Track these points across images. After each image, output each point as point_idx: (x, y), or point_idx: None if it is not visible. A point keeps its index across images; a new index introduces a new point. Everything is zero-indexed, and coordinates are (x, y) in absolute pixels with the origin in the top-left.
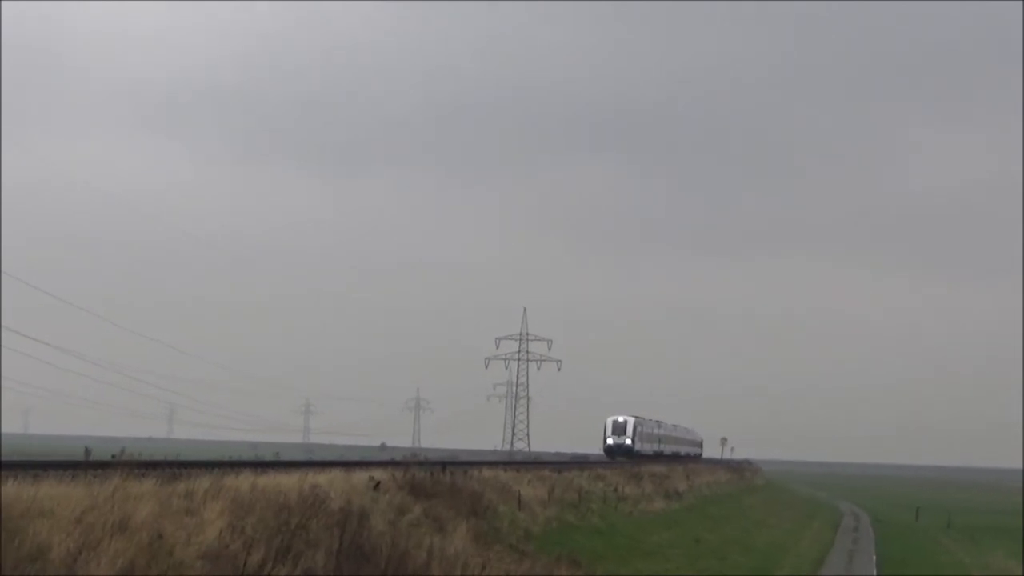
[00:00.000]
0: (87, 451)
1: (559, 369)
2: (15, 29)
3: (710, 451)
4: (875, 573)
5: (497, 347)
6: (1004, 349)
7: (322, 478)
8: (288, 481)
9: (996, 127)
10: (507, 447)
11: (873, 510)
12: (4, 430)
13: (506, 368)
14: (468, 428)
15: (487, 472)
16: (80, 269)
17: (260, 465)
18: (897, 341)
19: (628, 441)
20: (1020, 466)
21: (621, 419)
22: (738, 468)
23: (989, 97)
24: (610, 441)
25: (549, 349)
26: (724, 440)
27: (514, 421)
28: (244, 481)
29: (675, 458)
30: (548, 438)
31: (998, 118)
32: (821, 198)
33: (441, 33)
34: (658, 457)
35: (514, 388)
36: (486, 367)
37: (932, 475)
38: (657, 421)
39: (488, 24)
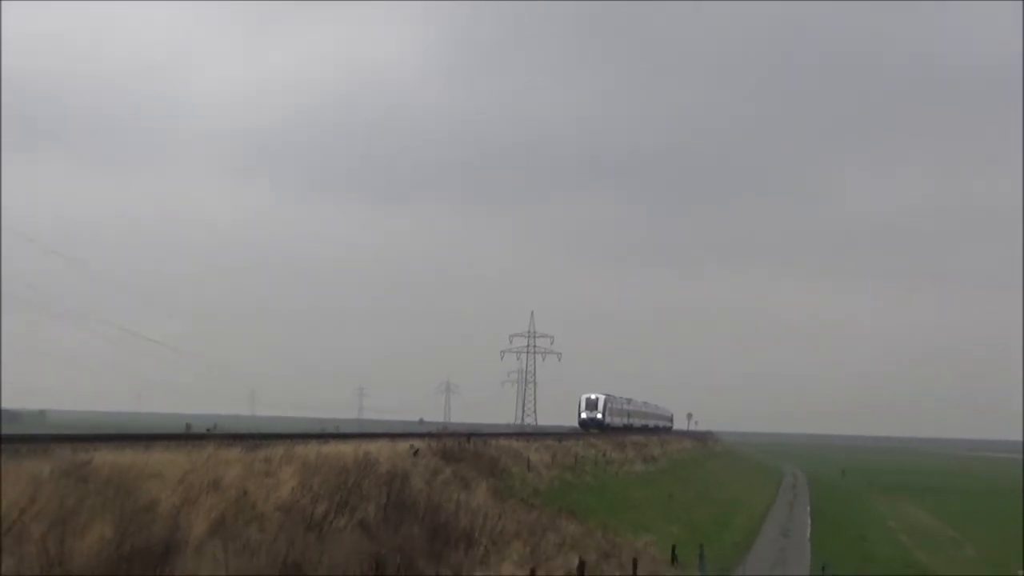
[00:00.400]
0: (188, 426)
1: (559, 360)
2: (146, 90)
3: (679, 425)
4: (809, 520)
5: (510, 343)
6: (927, 339)
7: (373, 446)
8: (346, 449)
9: (922, 162)
10: (518, 422)
11: (811, 472)
12: (122, 408)
13: (517, 359)
14: (487, 407)
15: (503, 442)
16: (187, 280)
17: (323, 436)
18: (833, 333)
19: (599, 415)
20: (957, 436)
21: (593, 396)
22: (702, 438)
23: (917, 137)
24: (584, 415)
25: (552, 344)
26: (690, 415)
27: (524, 401)
28: (311, 449)
29: (647, 430)
30: (551, 415)
31: (926, 155)
32: (774, 220)
33: (473, 95)
34: (627, 429)
35: (524, 375)
36: (501, 359)
37: (871, 444)
38: (627, 398)
39: (510, 87)
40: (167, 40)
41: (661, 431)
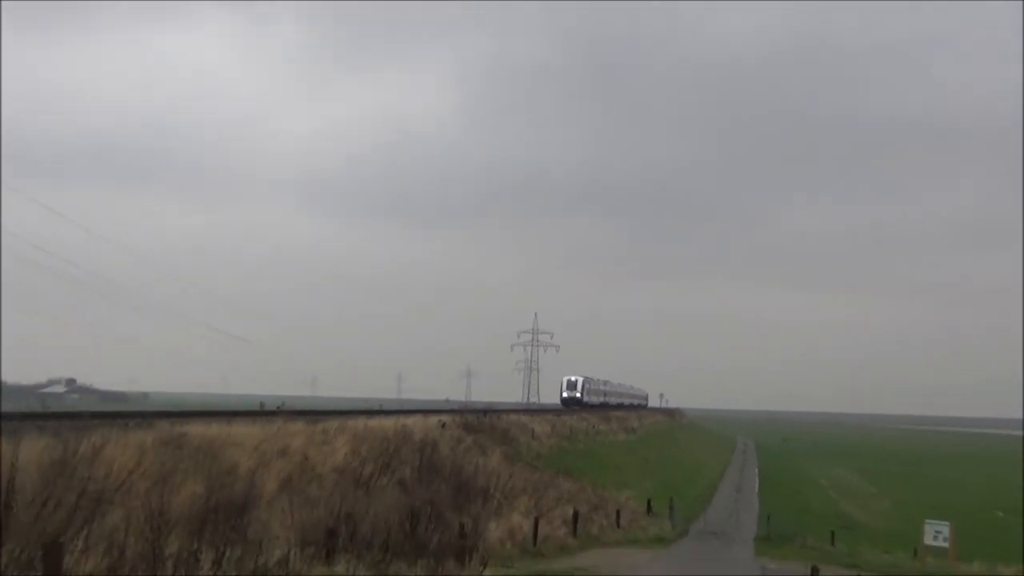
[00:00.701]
0: (261, 405)
1: (557, 351)
2: (234, 143)
3: (654, 403)
4: (757, 479)
5: (518, 338)
6: (841, 333)
7: (409, 420)
8: (387, 423)
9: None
10: (525, 401)
11: (759, 441)
12: (211, 391)
13: (524, 351)
14: (500, 389)
15: (512, 416)
16: (264, 289)
17: (370, 413)
18: (777, 327)
19: (578, 394)
20: (896, 412)
21: (573, 378)
22: (671, 413)
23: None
24: (565, 394)
25: (551, 339)
26: (662, 395)
27: (528, 384)
28: (360, 423)
29: (624, 407)
30: (551, 396)
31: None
32: (727, 240)
33: (488, 142)
34: (604, 406)
35: (529, 364)
36: (511, 350)
37: (815, 419)
38: (604, 380)
39: (517, 136)
40: (251, 104)
41: (637, 408)
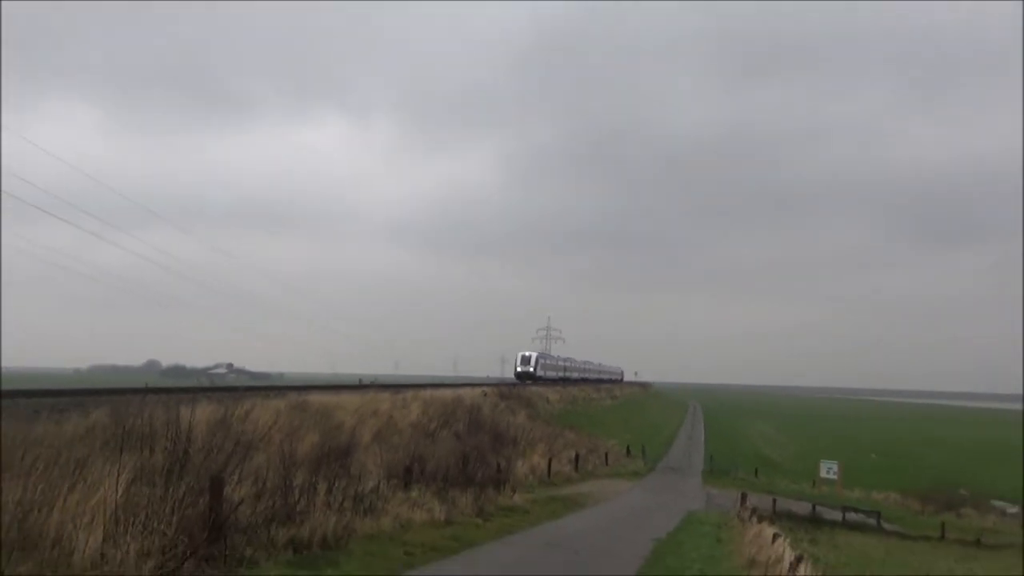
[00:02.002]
0: (359, 380)
1: (564, 342)
2: (344, 196)
3: (629, 378)
4: (703, 431)
5: (536, 333)
6: (772, 328)
7: (461, 391)
8: (446, 393)
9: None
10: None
11: (707, 406)
12: (322, 371)
13: (542, 343)
14: None
15: (533, 389)
16: (363, 301)
17: (434, 386)
18: (714, 324)
19: (531, 368)
20: (812, 384)
21: (527, 353)
22: (643, 385)
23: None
24: (519, 369)
25: (560, 333)
26: (636, 373)
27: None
28: (428, 393)
29: (589, 381)
30: None
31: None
32: (682, 263)
33: (519, 196)
34: (565, 380)
35: (546, 351)
36: (532, 341)
37: (749, 389)
38: (566, 358)
39: (538, 190)
40: (358, 173)
41: (609, 382)
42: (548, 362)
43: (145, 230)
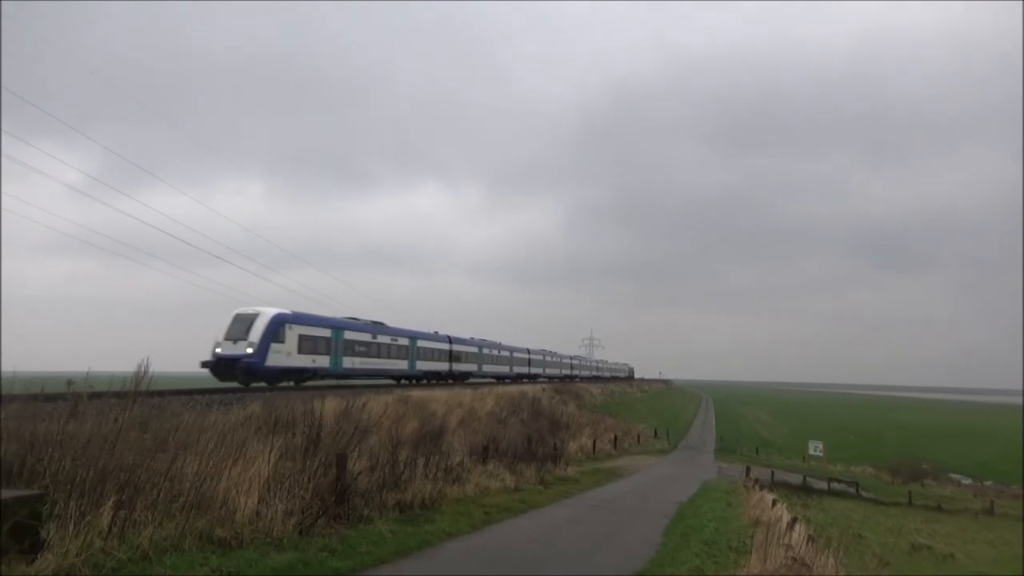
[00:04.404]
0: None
1: (604, 349)
2: (439, 239)
3: (653, 376)
4: (714, 418)
5: (582, 342)
6: (769, 339)
7: (525, 387)
8: (513, 388)
9: (751, 268)
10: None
11: (716, 398)
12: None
13: (587, 349)
14: None
15: (581, 384)
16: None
17: (505, 382)
18: (722, 334)
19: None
20: (804, 380)
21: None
22: (666, 382)
23: (749, 254)
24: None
25: (600, 342)
26: (660, 372)
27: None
28: (500, 388)
29: (602, 379)
30: None
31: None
32: (696, 288)
33: (570, 236)
34: (571, 378)
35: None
36: (579, 348)
37: (753, 386)
38: (572, 355)
39: (586, 230)
40: (453, 225)
41: (621, 380)
42: (549, 358)
43: (293, 270)
